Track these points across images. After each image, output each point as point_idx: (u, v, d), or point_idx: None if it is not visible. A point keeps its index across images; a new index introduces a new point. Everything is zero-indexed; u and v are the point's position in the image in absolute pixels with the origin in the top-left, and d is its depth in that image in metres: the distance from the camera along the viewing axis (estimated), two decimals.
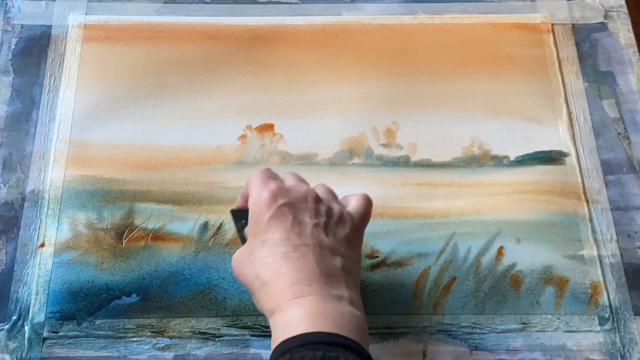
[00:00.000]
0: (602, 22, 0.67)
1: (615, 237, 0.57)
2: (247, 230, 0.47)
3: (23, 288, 0.54)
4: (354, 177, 0.59)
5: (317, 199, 0.46)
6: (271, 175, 0.47)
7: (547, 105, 0.63)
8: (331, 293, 0.42)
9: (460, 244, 0.56)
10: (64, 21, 0.65)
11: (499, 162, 0.60)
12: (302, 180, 0.49)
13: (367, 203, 0.48)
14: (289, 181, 0.48)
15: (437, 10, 0.68)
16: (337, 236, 0.45)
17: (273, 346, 0.41)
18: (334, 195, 0.48)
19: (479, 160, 0.60)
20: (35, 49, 0.64)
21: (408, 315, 0.54)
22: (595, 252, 0.56)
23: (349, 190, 0.50)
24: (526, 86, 0.64)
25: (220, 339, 0.52)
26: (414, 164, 0.60)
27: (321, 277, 0.42)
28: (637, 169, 0.60)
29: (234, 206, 0.50)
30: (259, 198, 0.45)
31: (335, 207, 0.46)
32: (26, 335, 0.52)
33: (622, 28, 0.67)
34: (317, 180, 0.59)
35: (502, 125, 0.62)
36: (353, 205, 0.48)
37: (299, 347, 0.39)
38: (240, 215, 0.49)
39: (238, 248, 0.48)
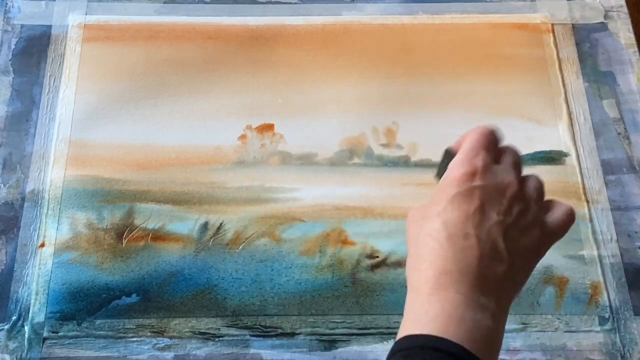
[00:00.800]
0: (602, 22, 0.67)
1: (615, 237, 0.57)
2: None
3: (23, 288, 0.54)
4: (354, 177, 0.59)
5: (515, 197, 0.41)
6: (487, 146, 0.42)
7: (547, 105, 0.63)
8: (478, 299, 0.38)
9: None
10: (64, 21, 0.65)
11: None
12: (517, 166, 0.43)
13: (570, 219, 0.43)
14: (504, 162, 0.43)
15: (437, 10, 0.68)
16: (516, 243, 0.40)
17: (401, 330, 0.39)
18: (540, 195, 0.43)
19: None
20: (35, 49, 0.64)
21: None
22: (595, 252, 0.56)
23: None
24: (526, 86, 0.64)
25: (220, 339, 0.52)
26: (414, 164, 0.60)
27: (475, 279, 0.39)
28: (637, 169, 0.60)
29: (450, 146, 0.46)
30: (459, 166, 0.41)
31: (532, 211, 0.41)
32: (26, 335, 0.52)
33: (622, 28, 0.67)
34: (317, 181, 0.59)
35: (502, 125, 0.61)
36: (555, 215, 0.43)
37: (419, 349, 0.37)
38: (448, 157, 0.45)
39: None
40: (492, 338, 0.38)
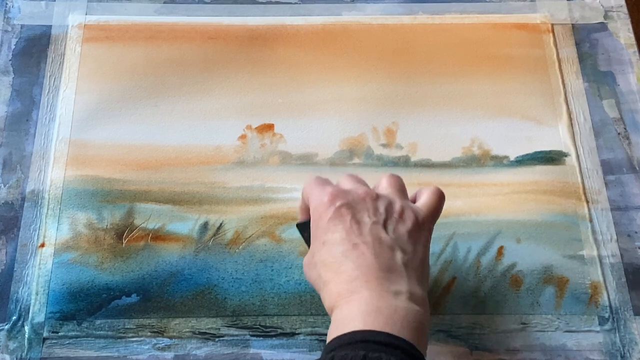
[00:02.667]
0: (602, 22, 0.67)
1: (615, 237, 0.57)
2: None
3: (23, 288, 0.54)
4: None
5: (376, 198, 0.46)
6: (325, 181, 0.48)
7: (547, 105, 0.63)
8: (388, 288, 0.42)
9: (460, 244, 0.56)
10: (64, 21, 0.65)
11: (499, 162, 0.60)
12: (359, 181, 0.48)
13: (438, 198, 0.48)
14: (346, 184, 0.48)
15: (437, 10, 0.68)
16: (397, 232, 0.44)
17: (329, 336, 0.42)
18: (399, 189, 0.48)
19: (479, 160, 0.60)
20: (35, 49, 0.64)
21: None
22: (595, 252, 0.56)
23: None
24: (526, 86, 0.64)
25: (220, 339, 0.52)
26: (414, 164, 0.60)
27: (379, 272, 0.42)
28: (637, 169, 0.60)
29: (298, 221, 0.51)
30: (319, 202, 0.45)
31: (397, 203, 0.46)
32: (26, 336, 0.52)
33: (622, 28, 0.67)
34: None
35: (502, 125, 0.62)
36: (423, 200, 0.47)
37: (346, 345, 0.39)
38: (305, 227, 0.49)
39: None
40: (414, 317, 0.41)
